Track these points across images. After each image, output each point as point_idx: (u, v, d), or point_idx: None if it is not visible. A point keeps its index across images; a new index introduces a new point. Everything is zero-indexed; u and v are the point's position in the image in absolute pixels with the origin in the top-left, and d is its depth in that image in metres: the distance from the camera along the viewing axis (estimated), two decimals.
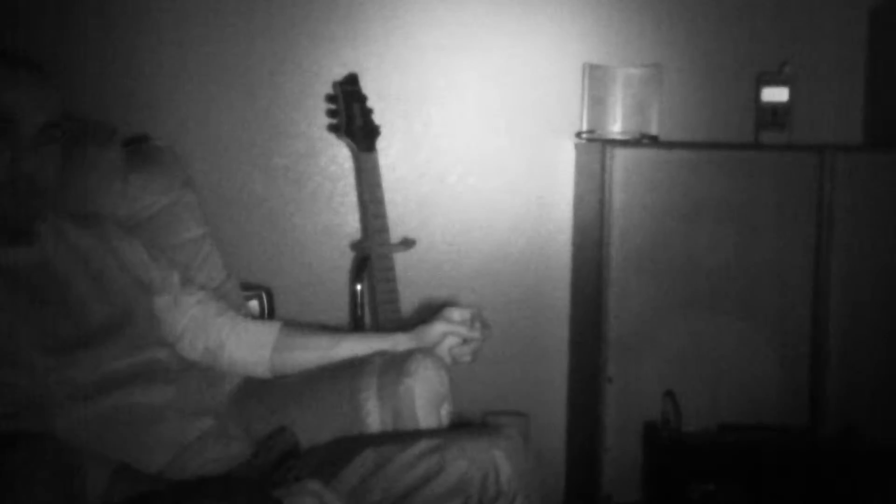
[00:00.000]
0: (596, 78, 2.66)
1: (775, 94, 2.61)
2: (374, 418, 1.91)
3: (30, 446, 1.41)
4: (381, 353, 1.98)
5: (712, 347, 2.42)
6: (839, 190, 2.43)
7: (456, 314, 2.05)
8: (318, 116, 2.62)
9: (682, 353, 2.42)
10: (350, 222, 2.72)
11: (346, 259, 2.70)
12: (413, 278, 2.63)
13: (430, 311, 2.10)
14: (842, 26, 2.77)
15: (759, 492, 2.28)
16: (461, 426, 1.98)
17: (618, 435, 2.40)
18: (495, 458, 1.75)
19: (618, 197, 2.43)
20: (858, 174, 2.44)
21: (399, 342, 2.03)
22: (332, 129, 2.55)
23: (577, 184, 2.74)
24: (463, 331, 2.02)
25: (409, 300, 2.56)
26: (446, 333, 2.01)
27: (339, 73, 2.51)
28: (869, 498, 2.25)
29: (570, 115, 2.72)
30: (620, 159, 2.43)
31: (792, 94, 2.61)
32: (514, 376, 2.77)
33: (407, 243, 2.59)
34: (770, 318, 2.42)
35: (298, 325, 2.06)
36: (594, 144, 2.57)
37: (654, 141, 2.61)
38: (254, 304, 2.46)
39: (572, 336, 2.78)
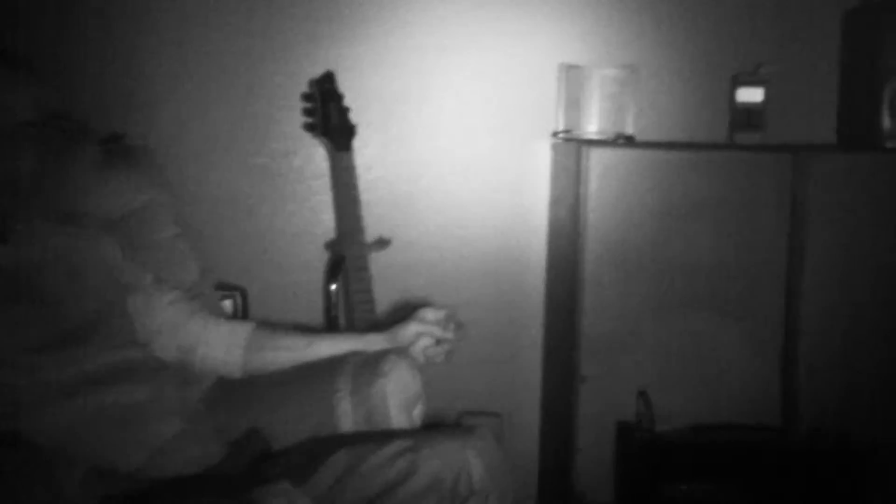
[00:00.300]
0: (572, 78, 2.67)
1: (750, 95, 2.62)
2: (348, 419, 1.91)
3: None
4: (355, 354, 1.99)
5: (686, 347, 2.43)
6: (812, 191, 2.44)
7: (430, 314, 2.06)
8: (294, 115, 2.62)
9: (657, 352, 2.43)
10: (325, 222, 2.71)
11: (322, 259, 2.69)
12: (388, 278, 2.62)
13: (405, 312, 2.11)
14: (816, 27, 2.78)
15: (732, 492, 2.30)
16: (435, 426, 1.98)
17: (591, 435, 2.40)
18: (468, 459, 1.75)
19: (593, 196, 2.43)
20: (831, 175, 2.45)
21: (373, 342, 2.03)
22: (309, 127, 2.55)
23: (554, 184, 2.75)
24: (437, 331, 2.03)
25: (384, 300, 2.56)
26: (420, 334, 2.02)
27: (317, 71, 2.50)
28: (839, 497, 2.27)
29: (547, 115, 2.73)
30: (596, 159, 2.44)
31: (766, 95, 2.62)
32: (488, 376, 2.78)
33: (382, 243, 2.59)
34: (743, 318, 2.43)
35: (272, 326, 2.06)
36: (570, 144, 2.58)
37: (629, 141, 2.62)
38: (228, 304, 2.46)
39: (547, 336, 2.79)
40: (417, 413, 1.96)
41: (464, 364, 2.55)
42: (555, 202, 2.74)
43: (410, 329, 2.04)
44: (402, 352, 1.97)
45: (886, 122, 2.55)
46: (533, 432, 2.80)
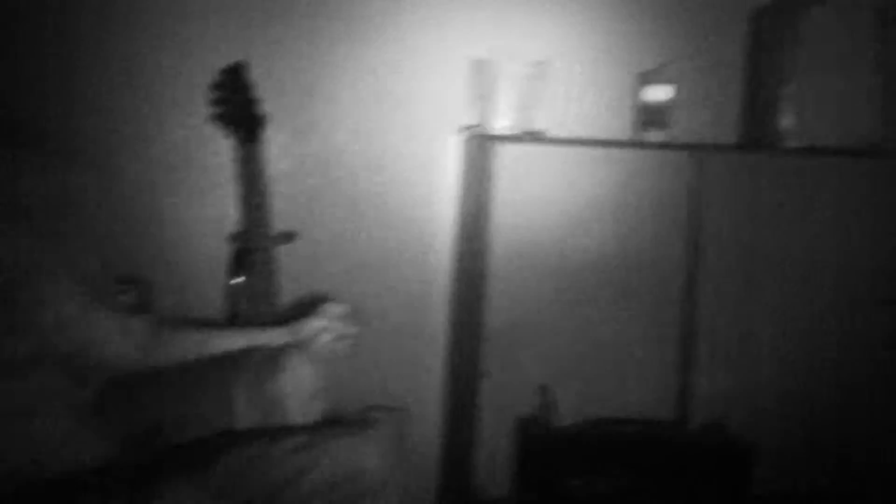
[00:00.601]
0: (482, 73, 2.68)
1: (656, 93, 2.66)
2: (245, 414, 1.91)
3: None
4: (255, 349, 1.99)
5: (588, 342, 2.47)
6: (713, 189, 2.49)
7: (333, 309, 2.07)
8: (202, 105, 2.59)
9: (559, 347, 2.46)
10: (231, 214, 2.69)
11: (226, 252, 2.67)
12: (293, 272, 2.61)
13: (309, 306, 2.11)
14: (723, 27, 2.83)
15: (629, 485, 2.34)
16: (336, 422, 1.99)
17: (492, 430, 2.42)
18: (363, 455, 1.77)
19: (501, 192, 2.45)
20: (730, 174, 2.50)
21: (274, 337, 2.03)
22: (216, 118, 2.52)
23: (463, 179, 2.76)
24: (339, 326, 2.03)
25: (288, 294, 2.55)
26: (322, 329, 2.02)
27: (226, 61, 2.48)
28: (727, 490, 2.32)
29: (457, 110, 2.74)
30: (504, 154, 2.45)
31: (672, 94, 2.67)
32: (393, 371, 2.79)
33: (288, 236, 2.58)
34: (643, 314, 2.48)
35: (172, 320, 2.05)
36: (479, 139, 2.59)
37: (538, 137, 2.64)
38: (129, 297, 2.43)
39: (451, 331, 2.81)
40: (316, 408, 1.96)
41: (368, 358, 2.57)
42: (463, 197, 2.75)
43: (312, 324, 2.05)
44: (302, 347, 1.97)
45: (784, 122, 2.62)
46: (436, 427, 2.82)
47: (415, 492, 1.93)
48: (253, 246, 2.42)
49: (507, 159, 2.45)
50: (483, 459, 2.43)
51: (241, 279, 2.47)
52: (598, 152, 2.52)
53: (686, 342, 2.48)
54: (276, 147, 2.67)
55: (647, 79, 2.68)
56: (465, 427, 2.50)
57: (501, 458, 2.41)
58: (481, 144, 2.53)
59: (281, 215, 2.58)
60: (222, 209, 2.69)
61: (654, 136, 2.65)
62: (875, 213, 2.51)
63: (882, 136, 2.58)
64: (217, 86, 2.51)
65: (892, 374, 2.49)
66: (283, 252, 2.52)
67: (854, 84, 2.60)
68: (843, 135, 2.60)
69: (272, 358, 1.94)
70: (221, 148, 2.67)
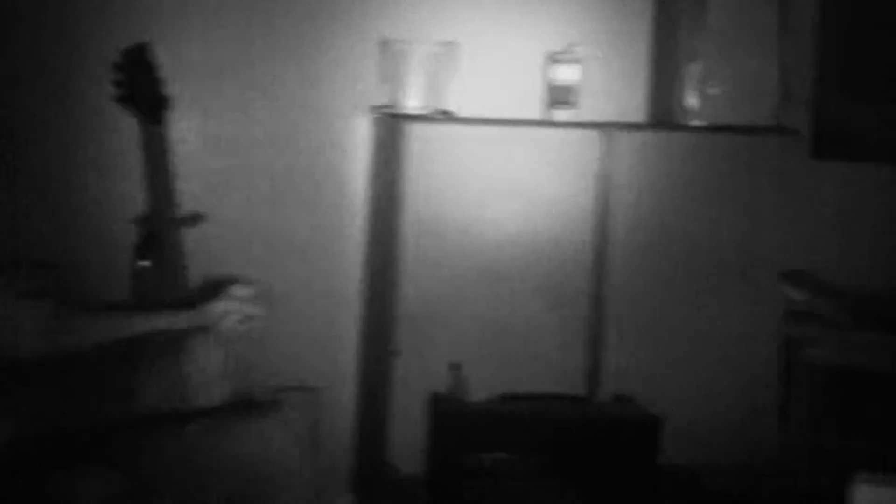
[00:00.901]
0: (392, 54, 2.67)
1: (564, 73, 2.69)
2: (149, 398, 1.89)
3: None
4: (161, 332, 1.96)
5: (501, 320, 2.49)
6: (621, 167, 2.53)
7: (239, 291, 2.05)
8: (104, 86, 2.53)
9: (472, 326, 2.48)
10: (138, 196, 2.65)
11: (133, 234, 2.63)
12: (201, 254, 2.56)
13: (215, 288, 2.09)
14: (629, 8, 2.87)
15: (539, 458, 2.37)
16: (244, 404, 1.98)
17: (405, 408, 2.44)
18: (269, 438, 1.77)
19: (412, 171, 2.46)
20: (639, 152, 2.55)
21: (180, 320, 2.01)
22: (119, 99, 2.47)
23: (374, 159, 2.76)
24: (246, 307, 2.02)
25: (196, 276, 2.52)
26: (229, 311, 2.01)
27: (130, 41, 2.43)
28: (635, 460, 2.37)
29: (367, 90, 2.73)
30: (414, 134, 2.46)
31: (580, 74, 2.70)
32: (306, 351, 2.78)
33: (195, 218, 2.54)
34: (553, 291, 2.51)
35: (76, 304, 2.01)
36: (389, 119, 2.59)
37: (448, 116, 2.65)
38: (34, 282, 2.37)
39: (364, 310, 2.81)
40: (224, 390, 1.95)
41: (281, 339, 2.55)
42: (374, 177, 2.75)
43: (220, 306, 2.03)
44: (207, 330, 1.95)
45: (689, 100, 2.67)
46: (350, 406, 2.82)
47: (328, 471, 1.92)
48: (159, 228, 2.38)
49: (418, 139, 2.46)
50: (397, 438, 2.45)
51: (147, 262, 2.43)
52: (508, 132, 2.54)
53: (595, 319, 2.52)
54: (183, 128, 2.63)
55: (555, 59, 2.70)
56: (379, 405, 2.51)
57: (414, 436, 2.43)
58: (391, 124, 2.53)
59: (188, 197, 2.55)
60: (129, 191, 2.64)
61: (563, 115, 2.68)
62: (776, 191, 2.58)
63: (781, 114, 2.66)
64: (120, 66, 2.46)
65: (796, 349, 2.56)
66: (190, 234, 2.49)
67: (756, 65, 2.66)
68: (745, 113, 2.66)
69: (177, 341, 1.93)
70: (128, 129, 2.63)
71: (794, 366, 2.34)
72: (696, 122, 2.66)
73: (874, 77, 2.78)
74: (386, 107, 2.67)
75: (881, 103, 2.74)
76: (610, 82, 2.83)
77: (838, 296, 2.38)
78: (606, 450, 2.36)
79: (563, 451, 2.36)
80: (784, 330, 2.39)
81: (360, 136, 2.78)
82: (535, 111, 2.76)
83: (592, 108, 2.74)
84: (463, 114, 2.70)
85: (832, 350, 2.28)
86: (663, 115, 2.80)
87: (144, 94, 2.39)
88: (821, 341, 2.30)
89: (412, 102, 2.67)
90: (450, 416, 2.35)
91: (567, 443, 2.38)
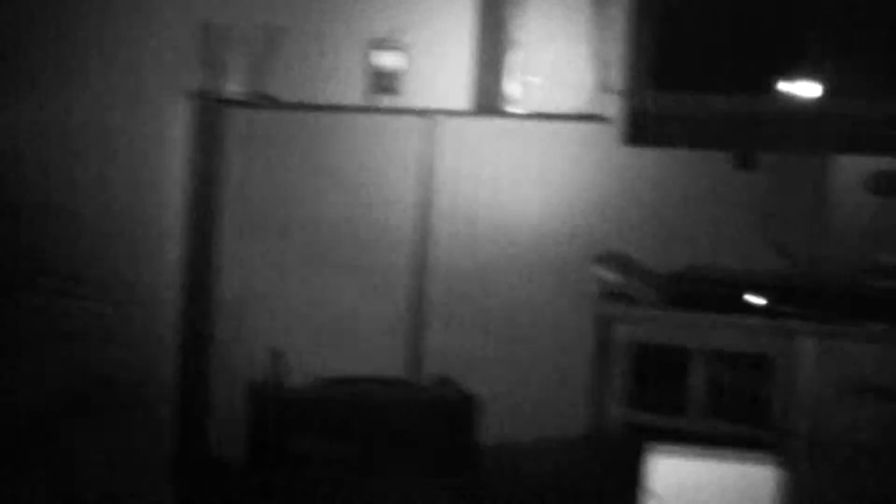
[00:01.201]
0: (213, 37, 2.63)
1: (387, 60, 2.70)
2: None
3: None
4: None
5: (321, 306, 2.50)
6: (445, 153, 2.57)
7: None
8: None
9: (293, 312, 2.49)
10: None
11: None
12: (12, 247, 2.51)
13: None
14: None
15: (361, 442, 2.39)
16: None
17: (225, 396, 2.43)
18: None
19: (232, 157, 2.44)
20: (464, 139, 2.59)
21: None
22: None
23: (194, 145, 2.71)
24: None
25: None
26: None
27: None
28: (454, 440, 2.42)
29: (187, 75, 2.68)
30: (235, 120, 2.44)
31: (404, 60, 2.71)
32: (123, 340, 2.72)
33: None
34: (376, 276, 2.53)
35: None
36: (209, 105, 2.56)
37: (270, 101, 2.63)
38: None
39: (184, 299, 2.75)
40: None
41: (98, 338, 2.50)
42: (195, 163, 2.70)
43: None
44: None
45: (510, 88, 2.72)
46: (170, 395, 2.77)
47: (150, 460, 1.89)
48: None
49: (239, 125, 2.44)
50: (217, 426, 2.43)
51: None
52: (331, 118, 2.55)
53: (416, 303, 2.56)
54: None
55: (378, 45, 2.71)
56: (199, 394, 2.49)
57: (236, 424, 2.41)
58: (211, 109, 2.50)
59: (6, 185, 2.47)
60: None
61: (387, 101, 2.69)
62: (591, 176, 2.66)
63: (596, 102, 2.74)
64: None
65: (607, 327, 2.66)
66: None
67: (573, 54, 2.74)
68: (563, 102, 2.73)
69: None
70: None
71: (606, 344, 2.43)
72: (516, 110, 2.72)
73: (686, 66, 2.89)
74: (206, 91, 2.63)
75: (692, 91, 2.85)
76: (434, 70, 2.86)
77: (646, 276, 2.48)
78: (425, 431, 2.40)
79: (383, 434, 2.39)
80: (596, 310, 2.48)
81: (180, 122, 2.72)
82: (359, 98, 2.77)
83: (416, 95, 2.77)
84: (287, 99, 2.69)
85: (639, 328, 2.38)
86: (487, 102, 2.84)
87: None
88: (629, 319, 2.39)
89: (233, 87, 2.64)
90: (270, 403, 2.34)
91: (387, 425, 2.40)
